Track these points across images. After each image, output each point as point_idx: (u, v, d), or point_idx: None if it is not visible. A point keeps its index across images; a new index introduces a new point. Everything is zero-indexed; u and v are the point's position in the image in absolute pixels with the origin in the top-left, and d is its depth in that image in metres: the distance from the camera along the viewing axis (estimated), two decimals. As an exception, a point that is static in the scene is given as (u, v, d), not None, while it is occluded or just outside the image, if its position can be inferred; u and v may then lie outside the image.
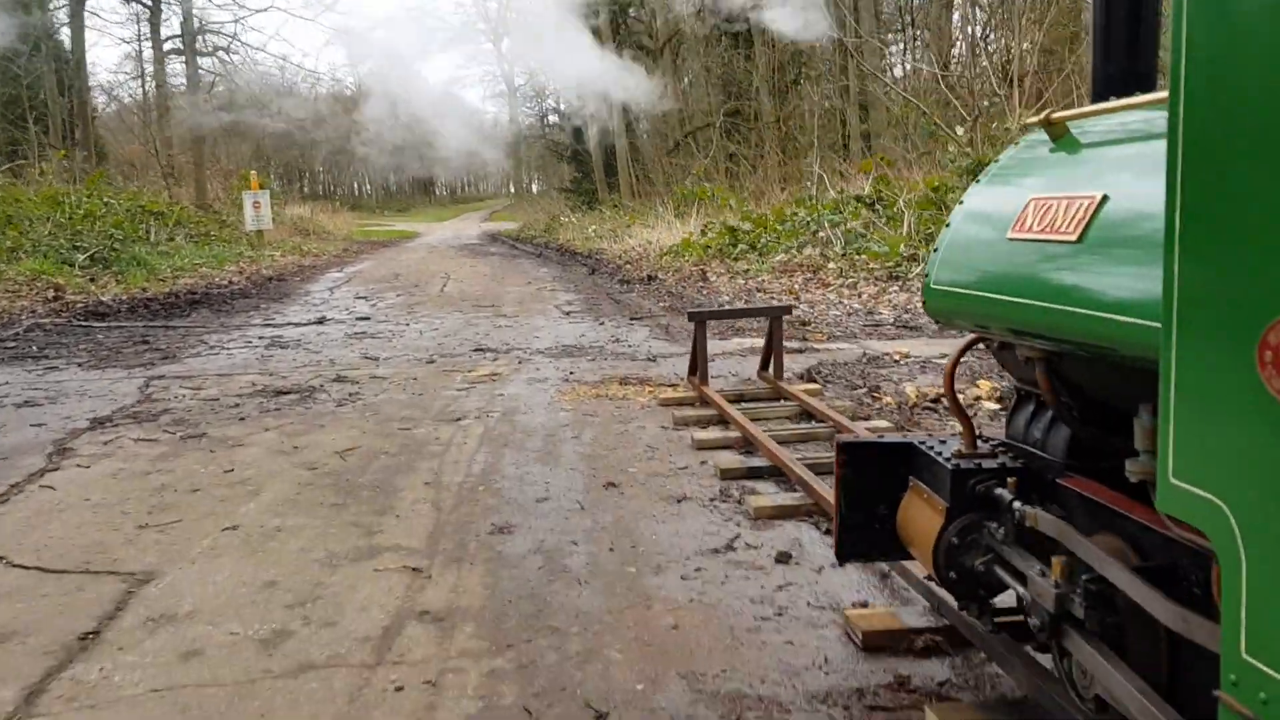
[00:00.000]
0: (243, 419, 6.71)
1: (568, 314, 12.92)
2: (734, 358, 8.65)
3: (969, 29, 25.93)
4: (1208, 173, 1.39)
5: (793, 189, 23.49)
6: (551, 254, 27.13)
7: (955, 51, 25.66)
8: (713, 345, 9.55)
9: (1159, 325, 1.49)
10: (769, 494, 4.70)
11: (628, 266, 20.50)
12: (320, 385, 7.90)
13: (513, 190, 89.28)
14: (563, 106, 49.32)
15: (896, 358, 8.03)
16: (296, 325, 12.28)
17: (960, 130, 18.36)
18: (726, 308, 8.86)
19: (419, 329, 11.60)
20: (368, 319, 12.72)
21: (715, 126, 32.48)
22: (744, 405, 6.42)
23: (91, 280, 17.65)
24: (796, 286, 14.47)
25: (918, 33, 26.51)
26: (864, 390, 6.85)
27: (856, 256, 15.65)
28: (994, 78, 19.03)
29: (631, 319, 12.07)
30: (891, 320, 10.76)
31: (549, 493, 4.78)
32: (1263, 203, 1.28)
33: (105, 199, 24.82)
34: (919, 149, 21.23)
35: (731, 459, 5.24)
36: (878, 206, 17.89)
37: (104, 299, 15.48)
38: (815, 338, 9.63)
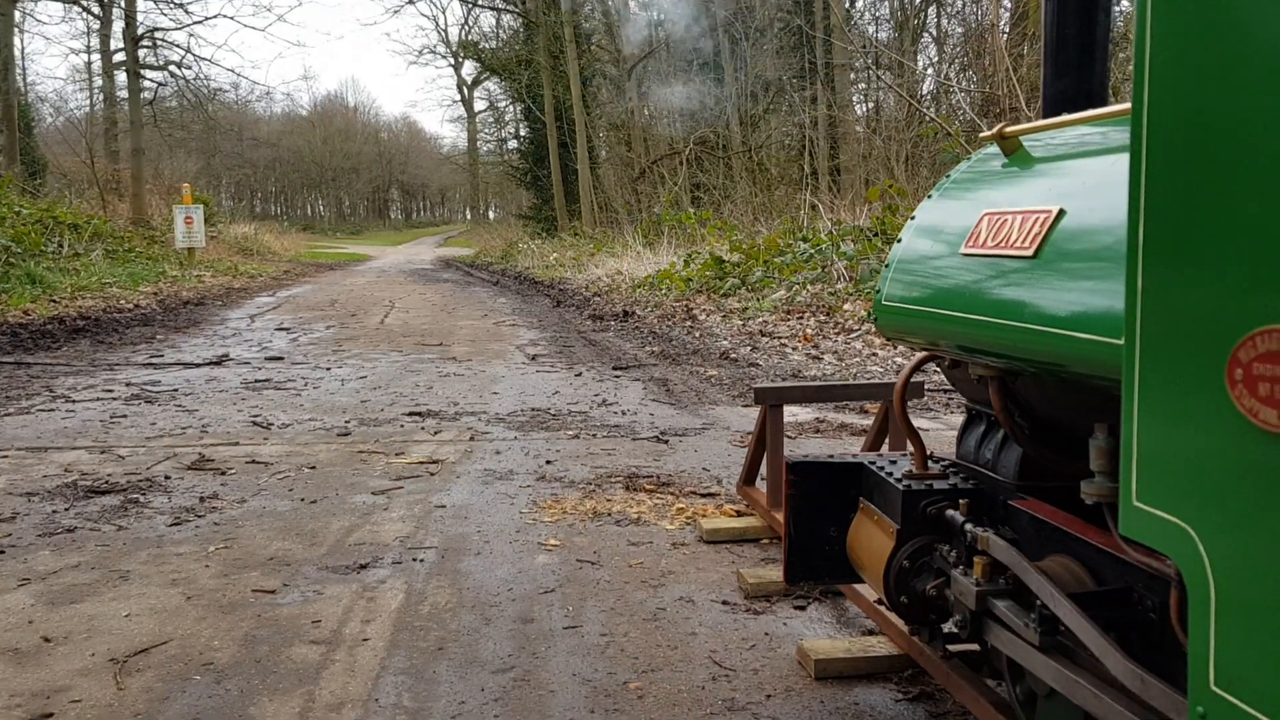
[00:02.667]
0: (2, 551, 4.00)
1: (534, 358, 10.29)
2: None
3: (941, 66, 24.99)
4: (1172, 185, 1.33)
5: (782, 220, 21.18)
6: (509, 282, 24.60)
7: (924, 88, 24.57)
8: (732, 413, 6.96)
9: (1119, 342, 1.46)
10: None
11: (597, 299, 18.04)
12: (165, 476, 5.18)
13: (469, 216, 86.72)
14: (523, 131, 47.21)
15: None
16: (186, 366, 9.52)
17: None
18: (808, 384, 6.32)
19: (342, 375, 8.90)
20: (280, 360, 9.98)
21: (682, 155, 30.70)
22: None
23: (-36, 300, 14.82)
24: (810, 331, 11.96)
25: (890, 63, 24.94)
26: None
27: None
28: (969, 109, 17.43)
29: (615, 369, 9.46)
30: (958, 383, 8.24)
31: None
32: (1230, 214, 1.23)
33: (15, 208, 22.06)
34: (927, 181, 19.13)
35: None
36: (879, 238, 15.61)
37: (-36, 324, 12.65)
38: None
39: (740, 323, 13.12)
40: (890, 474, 2.59)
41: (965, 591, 2.24)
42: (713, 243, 19.44)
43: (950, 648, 2.59)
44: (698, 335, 12.27)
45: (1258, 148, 1.18)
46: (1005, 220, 2.16)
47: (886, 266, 2.64)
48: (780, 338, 11.78)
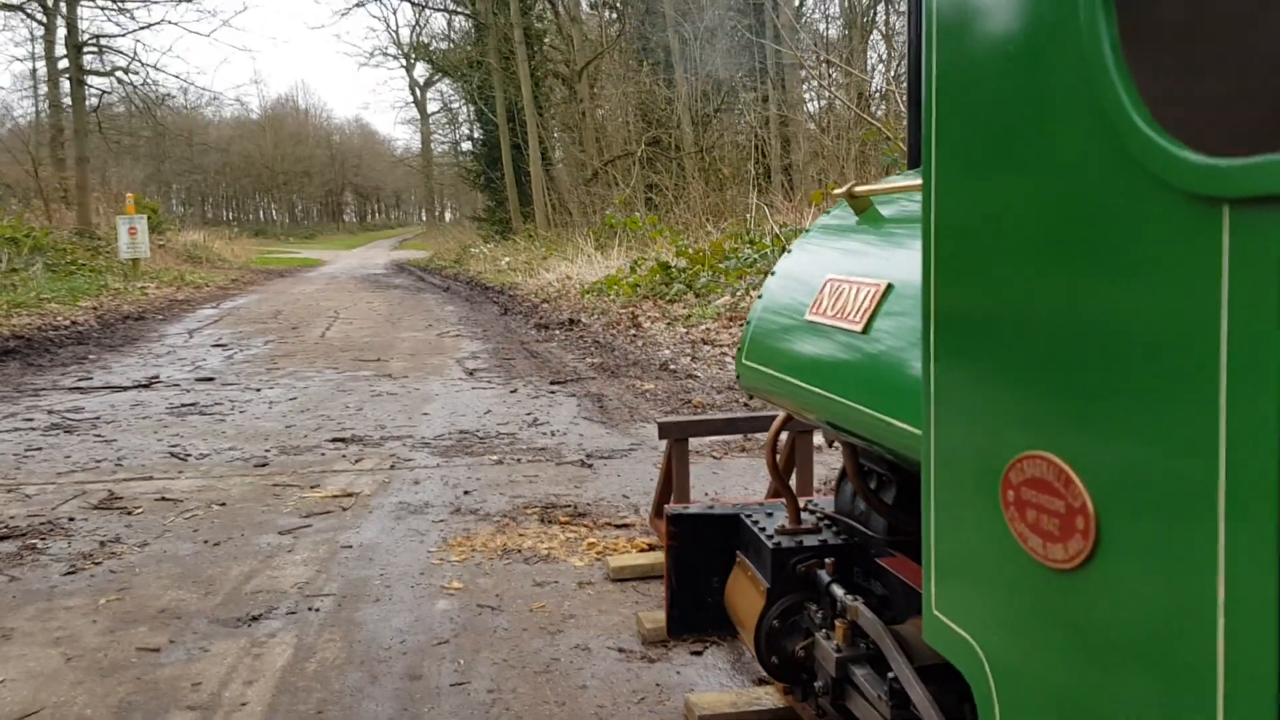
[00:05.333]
0: (-119, 609, 3.86)
1: (472, 373, 10.19)
2: (702, 459, 6.01)
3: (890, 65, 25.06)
4: (956, 291, 1.26)
5: (730, 222, 21.17)
6: (460, 288, 24.45)
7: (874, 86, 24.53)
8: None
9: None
10: None
11: (545, 306, 17.95)
12: (69, 518, 5.04)
13: (424, 218, 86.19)
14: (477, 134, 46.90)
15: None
16: (114, 389, 9.33)
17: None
18: (715, 416, 6.25)
19: (272, 397, 8.75)
20: (211, 380, 9.81)
21: (635, 156, 30.66)
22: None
23: (-110, 322, 14.48)
24: (752, 339, 11.95)
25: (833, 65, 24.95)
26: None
27: (819, 302, 13.21)
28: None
29: (553, 383, 9.38)
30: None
31: None
32: (999, 334, 1.18)
33: (-50, 223, 21.68)
34: (866, 175, 19.18)
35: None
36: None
37: (-113, 348, 12.33)
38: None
39: (684, 330, 13.08)
40: (763, 529, 2.54)
41: (827, 656, 2.20)
42: (659, 247, 19.40)
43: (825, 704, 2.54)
44: (640, 344, 12.21)
45: (1022, 296, 1.15)
46: (844, 289, 2.12)
47: (749, 322, 2.59)
48: (721, 345, 11.74)
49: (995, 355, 1.20)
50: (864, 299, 2.01)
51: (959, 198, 1.25)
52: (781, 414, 2.73)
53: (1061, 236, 1.06)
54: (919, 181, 2.21)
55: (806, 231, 2.63)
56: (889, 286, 1.96)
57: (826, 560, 2.37)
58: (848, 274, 2.17)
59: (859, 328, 1.98)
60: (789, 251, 2.62)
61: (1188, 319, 0.91)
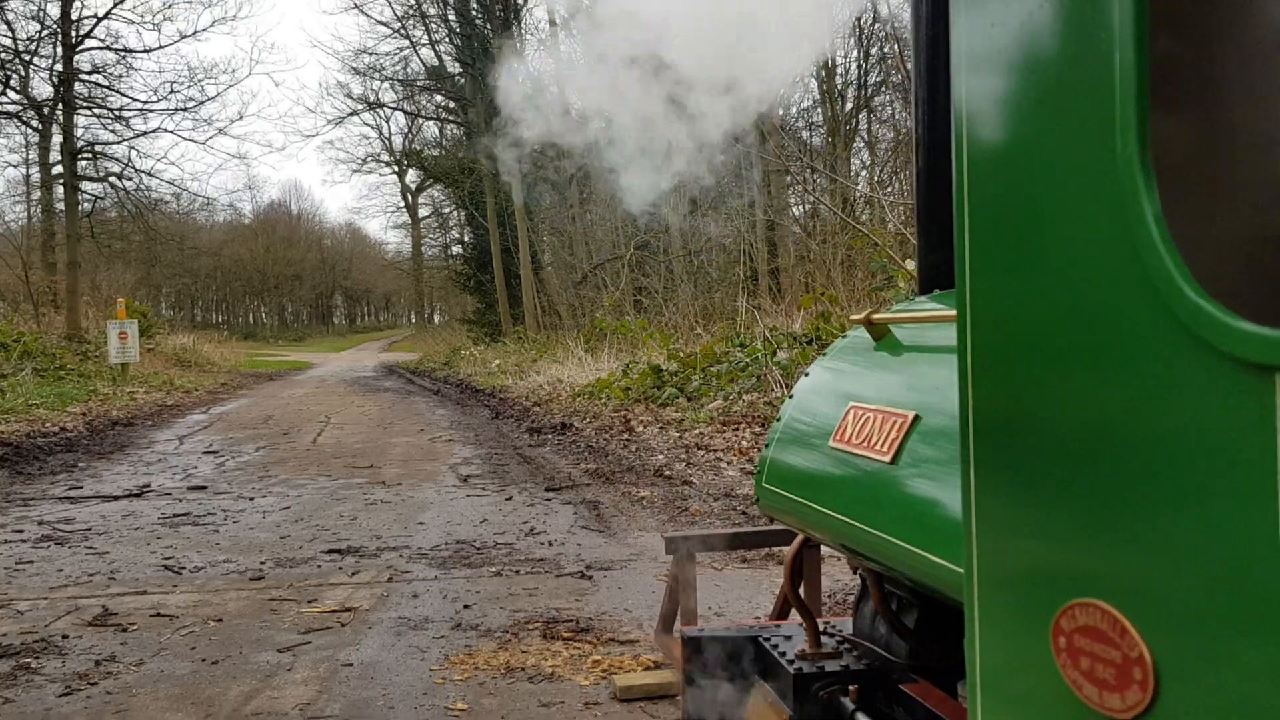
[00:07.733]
0: None
1: (465, 479, 10.14)
2: (703, 570, 5.97)
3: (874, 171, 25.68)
4: (994, 438, 1.26)
5: (720, 325, 21.35)
6: (451, 390, 24.46)
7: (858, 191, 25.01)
8: (660, 542, 6.87)
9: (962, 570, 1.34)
10: None
11: (536, 409, 17.95)
12: (62, 636, 4.96)
13: (414, 320, 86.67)
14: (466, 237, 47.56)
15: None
16: (104, 499, 9.25)
17: (912, 265, 16.37)
18: (722, 531, 6.21)
19: (266, 505, 8.69)
20: (203, 489, 9.73)
21: (624, 259, 31.07)
22: None
23: (-126, 430, 14.39)
24: (745, 444, 11.96)
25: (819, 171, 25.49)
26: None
27: (811, 406, 13.25)
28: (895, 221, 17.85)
29: (548, 490, 9.35)
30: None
31: None
32: (1045, 486, 1.16)
33: (-61, 329, 21.74)
34: (863, 284, 19.43)
35: None
36: (814, 345, 15.78)
37: None
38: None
39: (677, 435, 13.08)
40: (783, 652, 2.48)
41: None
42: (650, 350, 19.51)
43: None
44: (634, 449, 12.20)
45: (1061, 443, 1.15)
46: (868, 417, 2.11)
47: (767, 445, 2.58)
48: (716, 450, 11.74)
49: (1038, 500, 1.19)
50: (890, 429, 2.00)
51: (997, 342, 1.27)
52: (800, 537, 2.71)
53: (1105, 384, 1.08)
54: (935, 310, 2.25)
55: (823, 355, 2.65)
56: (916, 417, 1.97)
57: (850, 687, 2.32)
58: (871, 402, 2.17)
59: (887, 458, 1.97)
60: (806, 374, 2.62)
61: (1242, 475, 0.93)
